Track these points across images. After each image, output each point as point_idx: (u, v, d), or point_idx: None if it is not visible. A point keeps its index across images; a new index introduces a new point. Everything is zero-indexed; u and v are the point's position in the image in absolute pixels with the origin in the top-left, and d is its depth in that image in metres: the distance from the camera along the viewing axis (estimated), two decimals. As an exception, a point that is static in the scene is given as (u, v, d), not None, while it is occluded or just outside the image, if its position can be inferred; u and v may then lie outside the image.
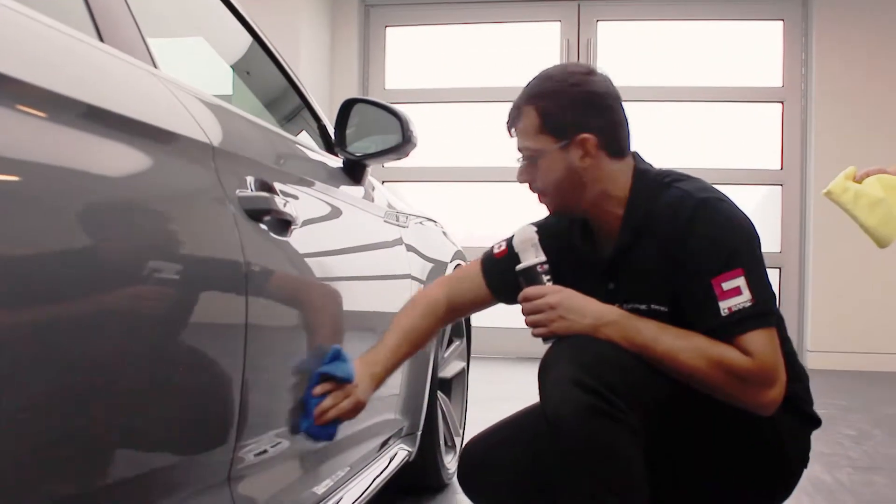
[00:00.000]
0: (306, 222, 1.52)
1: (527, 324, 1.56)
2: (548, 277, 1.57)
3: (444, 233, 2.77)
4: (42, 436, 0.86)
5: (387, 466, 2.01)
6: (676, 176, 1.57)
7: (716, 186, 1.58)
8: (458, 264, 2.71)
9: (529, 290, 1.55)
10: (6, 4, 0.91)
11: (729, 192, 1.59)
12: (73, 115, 0.94)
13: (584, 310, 1.50)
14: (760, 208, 5.96)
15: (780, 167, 5.97)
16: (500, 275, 1.69)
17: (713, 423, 1.48)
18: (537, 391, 1.48)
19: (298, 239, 1.46)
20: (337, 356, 1.54)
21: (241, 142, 1.41)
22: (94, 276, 0.94)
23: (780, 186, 5.97)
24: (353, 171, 1.98)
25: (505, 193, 5.21)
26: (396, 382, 2.05)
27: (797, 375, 1.55)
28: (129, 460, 1.03)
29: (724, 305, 1.43)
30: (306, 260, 1.53)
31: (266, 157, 1.51)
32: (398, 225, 2.23)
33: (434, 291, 1.77)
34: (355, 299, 1.84)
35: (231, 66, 2.32)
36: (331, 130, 2.00)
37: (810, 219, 5.76)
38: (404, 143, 1.95)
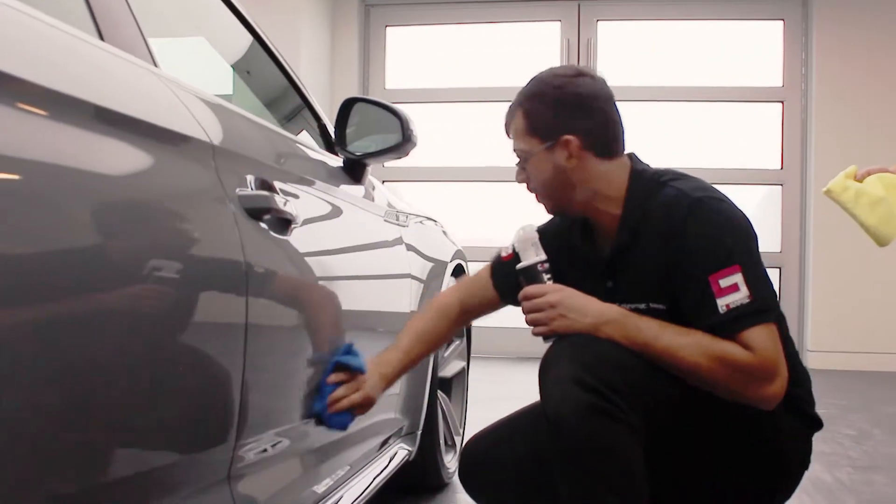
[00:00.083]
0: (306, 221, 1.52)
1: (527, 322, 1.56)
2: (548, 276, 1.57)
3: (445, 232, 2.77)
4: (43, 434, 0.86)
5: (387, 466, 2.01)
6: (673, 175, 1.57)
7: (716, 186, 1.58)
8: (458, 264, 2.71)
9: (530, 289, 1.56)
10: (7, 3, 0.91)
11: (729, 191, 1.59)
12: (73, 114, 0.94)
13: (585, 308, 1.50)
14: (760, 208, 5.96)
15: (780, 167, 5.97)
16: (506, 277, 1.70)
17: (713, 424, 1.48)
18: (538, 390, 1.48)
19: (298, 238, 1.46)
20: (349, 350, 1.61)
21: (241, 141, 1.41)
22: (94, 275, 0.94)
23: (780, 186, 5.97)
24: (354, 171, 1.98)
25: (505, 193, 5.20)
26: (397, 381, 2.05)
27: (799, 378, 1.55)
28: (130, 458, 1.03)
29: (722, 302, 1.43)
30: (306, 259, 1.53)
31: (266, 156, 1.51)
32: (398, 224, 2.23)
33: (448, 295, 1.83)
34: (355, 298, 1.84)
35: (231, 66, 2.32)
36: (331, 130, 2.00)
37: (810, 219, 5.76)
38: (404, 142, 1.95)
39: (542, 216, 1.73)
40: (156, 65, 1.24)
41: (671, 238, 1.48)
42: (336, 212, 1.79)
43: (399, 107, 2.00)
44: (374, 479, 1.89)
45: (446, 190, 6.29)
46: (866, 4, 5.71)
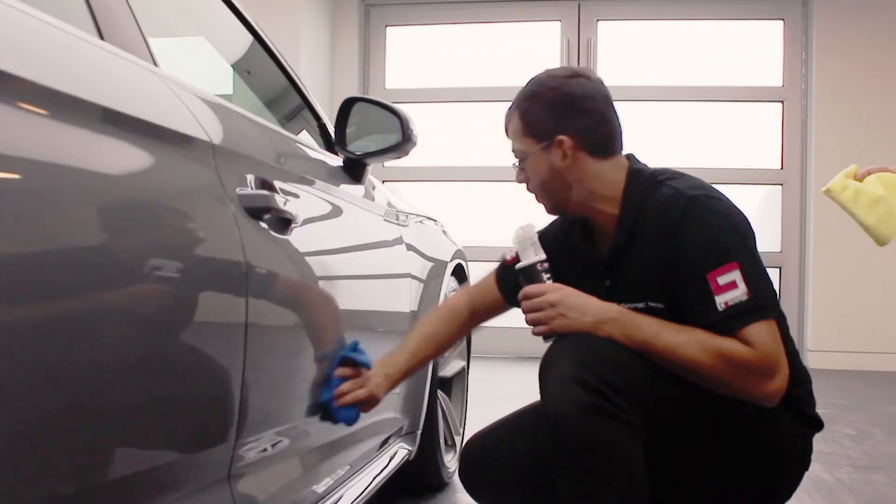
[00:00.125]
0: (306, 221, 1.52)
1: (527, 322, 1.56)
2: (548, 276, 1.57)
3: (444, 232, 2.77)
4: (43, 433, 0.86)
5: (387, 465, 2.01)
6: (670, 174, 1.58)
7: (716, 186, 1.58)
8: (458, 263, 2.71)
9: (529, 289, 1.56)
10: (7, 2, 0.92)
11: (729, 191, 1.59)
12: (73, 113, 0.94)
13: (585, 307, 1.50)
14: (761, 208, 5.97)
15: (780, 167, 5.97)
16: (510, 280, 1.70)
17: (714, 424, 1.48)
18: (538, 389, 1.48)
19: (298, 237, 1.46)
20: (356, 348, 1.64)
21: (241, 140, 1.41)
22: (94, 274, 0.94)
23: (780, 186, 5.97)
24: (354, 170, 1.98)
25: (505, 193, 5.21)
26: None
27: (800, 378, 1.55)
28: (130, 458, 1.03)
29: (721, 300, 1.43)
30: (306, 258, 1.53)
31: (266, 155, 1.51)
32: (398, 224, 2.23)
33: (457, 299, 1.85)
34: (355, 298, 1.84)
35: (232, 66, 2.32)
36: (331, 129, 2.00)
37: (810, 218, 5.76)
38: (404, 141, 1.95)
39: (541, 216, 1.73)
40: (156, 64, 1.24)
41: (668, 237, 1.48)
42: (336, 211, 1.79)
43: (399, 106, 2.00)
44: (374, 478, 1.89)
45: (446, 190, 6.29)
46: (866, 4, 5.71)
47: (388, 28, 6.33)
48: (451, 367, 2.69)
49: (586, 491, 1.39)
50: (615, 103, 1.62)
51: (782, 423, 1.51)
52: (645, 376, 1.44)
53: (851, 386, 4.90)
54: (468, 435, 1.97)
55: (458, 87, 6.20)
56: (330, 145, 2.02)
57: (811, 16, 5.83)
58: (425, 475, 2.48)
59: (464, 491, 1.80)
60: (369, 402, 1.64)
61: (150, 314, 1.03)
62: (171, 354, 1.10)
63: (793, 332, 1.60)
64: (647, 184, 1.56)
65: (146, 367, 1.04)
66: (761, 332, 1.43)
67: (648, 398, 1.42)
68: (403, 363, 1.72)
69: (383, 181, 2.90)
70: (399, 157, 2.07)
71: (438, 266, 2.50)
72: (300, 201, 1.52)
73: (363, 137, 1.98)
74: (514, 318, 1.59)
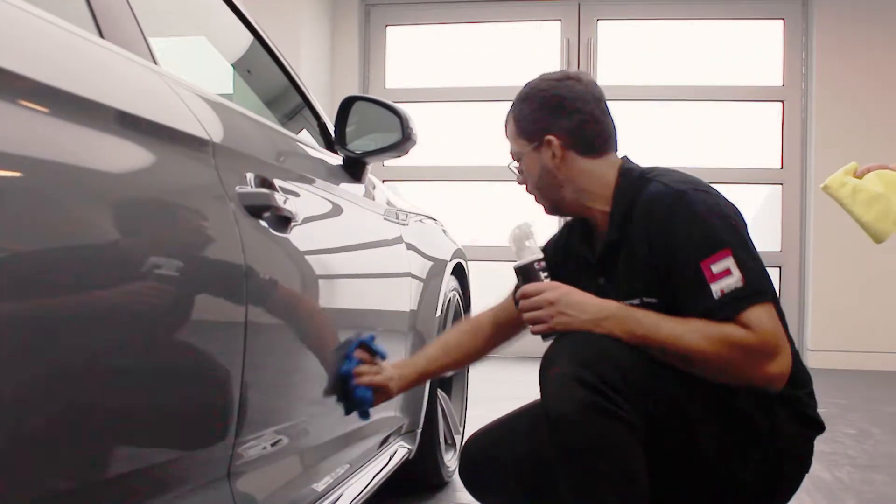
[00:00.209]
0: (306, 219, 1.52)
1: (525, 321, 1.56)
2: (545, 274, 1.58)
3: (444, 231, 2.77)
4: (43, 431, 0.87)
5: (386, 464, 2.01)
6: (660, 171, 1.59)
7: (716, 186, 1.58)
8: (458, 263, 2.72)
9: (527, 287, 1.56)
10: (8, 1, 0.92)
11: (729, 191, 1.60)
12: (73, 111, 0.94)
13: (584, 305, 1.50)
14: (761, 208, 5.97)
15: (780, 166, 5.97)
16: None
17: (714, 424, 1.48)
18: (538, 388, 1.48)
19: (298, 236, 1.46)
20: (373, 339, 1.70)
21: (241, 138, 1.41)
22: (94, 272, 0.94)
23: (780, 186, 5.97)
24: (353, 169, 1.98)
25: (505, 193, 5.21)
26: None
27: (800, 379, 1.55)
28: (130, 455, 1.04)
29: (716, 288, 1.43)
30: (306, 257, 1.53)
31: (266, 153, 1.51)
32: (398, 223, 2.23)
33: (483, 313, 1.86)
34: (355, 297, 1.84)
35: (232, 65, 2.32)
36: (331, 128, 2.00)
37: (810, 218, 5.76)
38: (404, 140, 1.95)
39: (541, 216, 1.76)
40: (155, 62, 1.24)
41: (659, 231, 1.49)
42: (336, 210, 1.79)
43: (399, 105, 2.00)
44: (374, 477, 1.89)
45: (446, 189, 6.29)
46: (866, 4, 5.71)
47: (388, 28, 6.33)
48: (450, 367, 2.68)
49: (586, 490, 1.39)
50: (615, 103, 1.64)
51: (783, 424, 1.51)
52: (645, 376, 1.44)
53: (851, 385, 4.90)
54: (468, 434, 1.97)
55: (458, 86, 6.20)
56: (330, 144, 2.02)
57: (811, 15, 5.83)
58: (425, 474, 2.48)
59: (464, 490, 1.80)
60: (382, 392, 1.67)
61: (149, 312, 1.03)
62: (170, 352, 1.10)
63: (793, 332, 1.60)
64: (637, 181, 1.57)
65: (146, 365, 1.04)
66: (759, 314, 1.43)
67: (648, 398, 1.43)
68: (419, 367, 1.77)
69: (383, 180, 2.91)
70: (399, 156, 2.07)
71: (438, 265, 2.50)
72: (300, 200, 1.52)
73: (363, 136, 1.98)
74: (513, 317, 1.60)
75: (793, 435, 1.53)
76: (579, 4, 6.09)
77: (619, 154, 1.66)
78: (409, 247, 2.26)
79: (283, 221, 1.41)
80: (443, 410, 2.55)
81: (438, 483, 2.56)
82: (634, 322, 1.47)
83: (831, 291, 5.67)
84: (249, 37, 1.89)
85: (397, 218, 2.24)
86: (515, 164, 1.67)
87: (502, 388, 4.18)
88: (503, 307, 1.80)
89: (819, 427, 1.58)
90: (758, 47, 6.11)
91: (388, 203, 2.23)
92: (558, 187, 1.62)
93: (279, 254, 1.42)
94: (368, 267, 1.97)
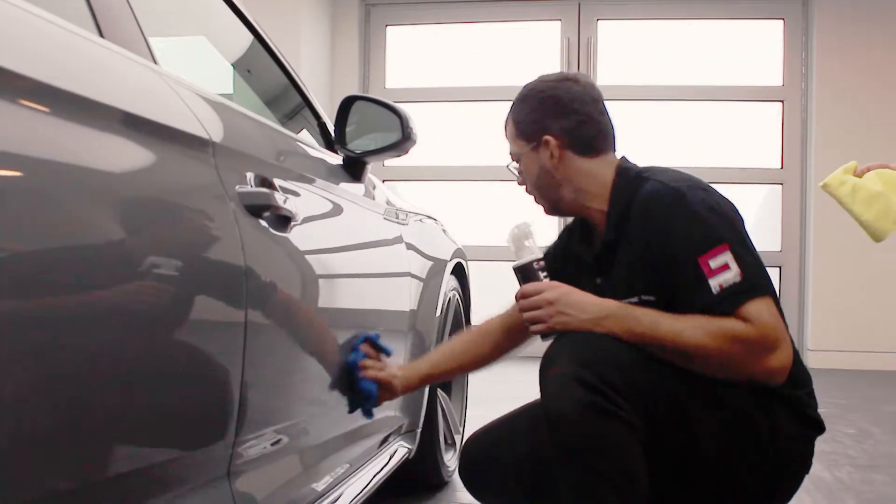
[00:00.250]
0: (306, 219, 1.52)
1: (524, 321, 1.57)
2: (544, 274, 1.58)
3: (444, 231, 2.77)
4: (43, 430, 0.87)
5: (386, 463, 2.01)
6: (657, 170, 1.60)
7: (716, 186, 1.59)
8: (458, 262, 2.72)
9: (527, 287, 1.56)
10: (9, 0, 0.92)
11: (729, 191, 1.61)
12: (73, 110, 0.94)
13: (583, 304, 1.51)
14: (761, 208, 5.97)
15: (780, 166, 5.97)
16: None
17: (714, 424, 1.48)
18: (538, 388, 1.48)
19: (298, 235, 1.46)
20: (378, 337, 1.74)
21: (240, 138, 1.41)
22: (93, 271, 0.94)
23: (780, 185, 5.97)
24: (353, 169, 1.98)
25: (505, 192, 5.21)
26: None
27: (800, 378, 1.55)
28: (130, 455, 1.04)
29: (715, 283, 1.44)
30: (306, 256, 1.53)
31: (266, 153, 1.51)
32: (398, 222, 2.23)
33: (492, 318, 1.85)
34: (355, 296, 1.84)
35: (232, 65, 2.32)
36: (331, 128, 2.00)
37: (811, 218, 5.76)
38: (404, 139, 1.95)
39: (540, 216, 1.76)
40: (155, 62, 1.24)
41: (656, 229, 1.50)
42: (336, 210, 1.79)
43: (399, 104, 2.00)
44: (374, 476, 1.89)
45: (446, 189, 6.29)
46: (866, 4, 5.71)
47: (388, 27, 6.33)
48: (450, 366, 2.68)
49: (586, 490, 1.39)
50: (615, 103, 1.66)
51: (783, 424, 1.51)
52: (645, 376, 1.44)
53: (852, 385, 4.90)
54: (468, 434, 1.97)
55: (459, 86, 6.20)
56: (330, 144, 2.02)
57: (811, 15, 5.83)
58: (425, 474, 2.48)
59: (463, 489, 1.80)
60: (386, 390, 1.70)
61: (148, 311, 1.03)
62: (170, 351, 1.10)
63: (793, 332, 1.61)
64: (633, 180, 1.58)
65: (145, 364, 1.04)
66: (758, 308, 1.43)
67: (648, 397, 1.42)
68: (423, 370, 1.79)
69: (383, 180, 2.91)
70: (399, 156, 2.07)
71: (438, 265, 2.50)
72: (300, 199, 1.52)
73: (363, 136, 1.98)
74: (513, 317, 1.60)
75: (793, 435, 1.53)
76: (579, 4, 6.09)
77: (618, 154, 1.67)
78: (409, 246, 2.26)
79: (283, 221, 1.41)
80: (443, 410, 2.55)
81: (438, 483, 2.56)
82: (633, 320, 1.47)
83: (831, 291, 5.67)
84: (249, 37, 1.89)
85: (397, 217, 2.24)
86: (515, 164, 1.69)
87: (502, 387, 4.18)
88: (510, 313, 1.79)
89: (819, 427, 1.58)
90: (758, 47, 6.11)
91: (388, 203, 2.23)
92: (557, 187, 1.63)
93: (279, 253, 1.42)
94: (368, 266, 1.97)
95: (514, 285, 1.60)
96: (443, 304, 2.47)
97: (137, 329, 1.01)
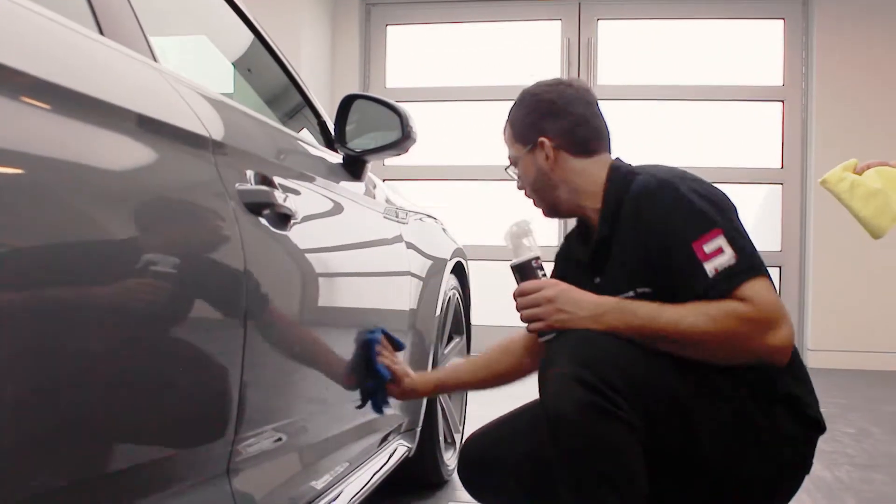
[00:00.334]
0: (306, 217, 1.52)
1: (522, 319, 1.57)
2: (542, 273, 1.58)
3: (444, 230, 2.77)
4: (43, 428, 0.87)
5: (386, 462, 2.01)
6: (648, 167, 1.62)
7: (716, 185, 1.58)
8: (458, 262, 2.72)
9: (526, 285, 1.56)
10: (8, -3, 0.92)
11: (729, 191, 1.60)
12: (73, 108, 0.95)
13: (581, 302, 1.51)
14: (761, 208, 5.97)
15: (780, 166, 5.97)
16: None
17: (714, 424, 1.48)
18: (538, 388, 1.48)
19: (298, 234, 1.46)
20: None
21: (240, 136, 1.41)
22: (93, 269, 0.94)
23: (780, 185, 5.97)
24: (353, 167, 1.98)
25: (505, 192, 5.21)
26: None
27: (800, 378, 1.55)
28: (130, 452, 1.04)
29: (710, 267, 1.44)
30: (306, 255, 1.53)
31: (266, 151, 1.51)
32: (398, 221, 2.23)
33: (516, 333, 1.83)
34: (354, 295, 1.84)
35: (233, 64, 2.32)
36: (331, 127, 2.00)
37: (811, 218, 5.76)
38: (404, 138, 1.95)
39: (540, 217, 1.76)
40: (156, 60, 1.24)
41: (649, 220, 1.51)
42: (336, 208, 1.79)
43: (399, 103, 2.00)
44: (374, 475, 1.89)
45: (446, 188, 6.29)
46: (866, 4, 5.71)
47: (388, 27, 6.33)
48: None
49: (586, 490, 1.39)
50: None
51: (783, 424, 1.51)
52: (645, 375, 1.44)
53: (851, 385, 4.90)
54: (468, 433, 1.97)
55: (459, 86, 6.20)
56: (330, 143, 2.02)
57: (812, 15, 5.83)
58: (425, 472, 2.48)
59: (463, 489, 1.80)
60: (397, 382, 1.78)
61: (148, 309, 1.03)
62: (170, 349, 1.10)
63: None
64: (625, 177, 1.60)
65: (145, 362, 1.04)
66: (755, 287, 1.43)
67: (648, 397, 1.42)
68: (435, 378, 1.88)
69: (384, 179, 2.91)
70: (399, 155, 2.06)
71: (438, 264, 2.50)
72: (300, 198, 1.53)
73: (363, 135, 1.98)
74: (514, 317, 1.59)
75: (793, 435, 1.53)
76: (579, 4, 6.09)
77: (614, 155, 1.69)
78: (409, 245, 2.26)
79: (283, 219, 1.41)
80: (443, 409, 2.55)
81: (438, 481, 2.56)
82: (632, 313, 1.47)
83: (831, 291, 5.67)
84: (250, 36, 1.89)
85: (397, 216, 2.24)
86: (513, 168, 1.72)
87: (502, 387, 4.18)
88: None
89: (820, 427, 1.58)
90: (758, 47, 6.11)
91: (388, 201, 2.23)
92: (553, 188, 1.66)
93: (279, 251, 1.42)
94: (368, 265, 1.97)
95: (513, 285, 1.60)
96: (443, 304, 2.47)
97: (137, 326, 1.01)
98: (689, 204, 1.48)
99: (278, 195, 1.38)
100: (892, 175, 1.69)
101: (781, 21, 5.98)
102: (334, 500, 1.63)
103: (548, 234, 5.48)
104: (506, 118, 1.73)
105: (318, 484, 1.61)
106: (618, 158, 1.68)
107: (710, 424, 1.47)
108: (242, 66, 2.23)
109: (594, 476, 1.38)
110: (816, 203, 5.63)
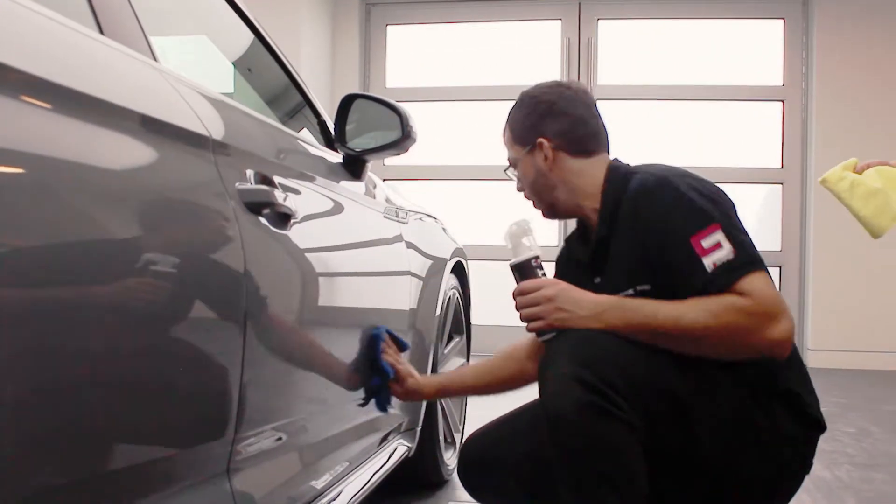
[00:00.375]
0: (306, 217, 1.52)
1: (522, 318, 1.57)
2: (542, 272, 1.58)
3: (444, 229, 2.77)
4: (43, 428, 0.87)
5: (386, 462, 2.01)
6: (646, 166, 1.62)
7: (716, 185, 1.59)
8: (458, 261, 2.72)
9: (525, 284, 1.56)
10: (8, -3, 0.92)
11: (729, 191, 1.60)
12: (73, 107, 0.95)
13: (581, 301, 1.51)
14: (761, 207, 5.97)
15: (780, 166, 5.97)
16: None
17: (714, 424, 1.48)
18: (538, 388, 1.48)
19: (298, 233, 1.46)
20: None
21: (240, 135, 1.41)
22: (93, 268, 0.94)
23: (780, 185, 5.97)
24: (353, 167, 1.98)
25: (505, 192, 5.21)
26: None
27: (800, 377, 1.55)
28: (130, 451, 1.04)
29: (709, 262, 1.44)
30: (305, 254, 1.53)
31: (266, 151, 1.51)
32: (398, 221, 2.23)
33: (521, 339, 1.84)
34: (354, 294, 1.84)
35: (233, 63, 2.32)
36: (331, 127, 2.00)
37: (811, 217, 5.76)
38: (404, 138, 1.95)
39: (540, 217, 1.76)
40: (156, 59, 1.24)
41: (647, 218, 1.51)
42: (336, 208, 1.79)
43: (399, 103, 2.00)
44: (374, 474, 1.89)
45: (447, 188, 6.29)
46: (866, 4, 5.71)
47: (388, 27, 6.33)
48: (450, 365, 2.69)
49: (586, 490, 1.39)
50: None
51: (783, 424, 1.51)
52: (645, 375, 1.44)
53: (851, 384, 4.90)
54: (468, 432, 1.97)
55: (459, 85, 6.20)
56: (330, 142, 2.02)
57: (812, 15, 5.83)
58: (425, 472, 2.48)
59: (463, 488, 1.80)
60: (398, 381, 1.79)
61: (148, 308, 1.03)
62: (170, 348, 1.10)
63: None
64: (623, 176, 1.60)
65: (145, 361, 1.04)
66: (754, 281, 1.43)
67: (648, 397, 1.42)
68: (438, 381, 1.89)
69: (384, 179, 2.91)
70: (399, 154, 2.06)
71: (438, 263, 2.50)
72: (300, 197, 1.53)
73: (363, 134, 1.98)
74: (513, 316, 1.59)
75: (793, 435, 1.53)
76: (580, 4, 6.09)
77: (613, 156, 1.69)
78: (409, 245, 2.26)
79: (283, 218, 1.41)
80: (443, 409, 2.55)
81: (438, 481, 2.56)
82: (631, 311, 1.47)
83: (831, 291, 5.67)
84: (250, 35, 1.89)
85: (397, 216, 2.24)
86: (512, 170, 1.73)
87: (505, 393, 4.18)
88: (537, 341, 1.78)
89: (820, 427, 1.58)
90: (758, 47, 6.10)
91: (388, 201, 2.23)
92: (552, 189, 1.67)
93: (279, 251, 1.42)
94: (368, 265, 1.97)
95: (513, 284, 1.61)
96: (442, 303, 2.47)
97: (136, 326, 1.02)
98: (688, 201, 1.48)
99: (278, 195, 1.38)
100: (892, 174, 1.69)
101: (781, 21, 5.98)
102: (334, 499, 1.63)
103: (548, 234, 5.48)
104: (505, 121, 1.74)
105: (318, 483, 1.61)
106: (616, 159, 1.68)
107: (710, 424, 1.47)
108: (242, 65, 2.23)
109: (594, 476, 1.38)
110: (816, 203, 5.63)
